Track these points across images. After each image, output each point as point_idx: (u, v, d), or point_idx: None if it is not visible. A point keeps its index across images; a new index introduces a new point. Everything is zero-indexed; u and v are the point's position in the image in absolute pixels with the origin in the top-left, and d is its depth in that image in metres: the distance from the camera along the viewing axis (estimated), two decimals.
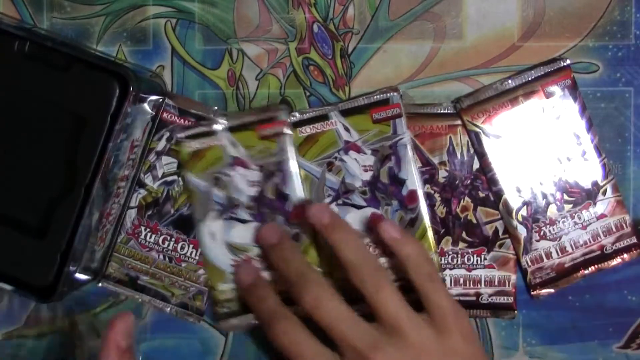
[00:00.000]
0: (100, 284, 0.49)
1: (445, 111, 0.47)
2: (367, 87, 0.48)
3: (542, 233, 0.47)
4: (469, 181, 0.48)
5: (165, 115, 0.48)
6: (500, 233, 0.47)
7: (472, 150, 0.47)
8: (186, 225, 0.48)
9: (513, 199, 0.47)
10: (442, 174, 0.47)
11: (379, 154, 0.47)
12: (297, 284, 0.42)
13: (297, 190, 0.47)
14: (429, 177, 0.48)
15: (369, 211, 0.47)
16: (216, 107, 0.48)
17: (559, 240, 0.47)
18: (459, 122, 0.47)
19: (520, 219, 0.47)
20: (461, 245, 0.47)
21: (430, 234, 0.47)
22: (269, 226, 0.46)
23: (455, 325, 0.41)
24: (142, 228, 0.49)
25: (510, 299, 0.47)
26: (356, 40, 0.48)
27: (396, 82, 0.48)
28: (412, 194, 0.47)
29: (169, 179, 0.48)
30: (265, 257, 0.47)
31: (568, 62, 0.47)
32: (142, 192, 0.49)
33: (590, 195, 0.47)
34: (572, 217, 0.47)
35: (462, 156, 0.48)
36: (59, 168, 0.43)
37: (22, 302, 0.50)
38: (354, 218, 0.47)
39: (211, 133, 0.47)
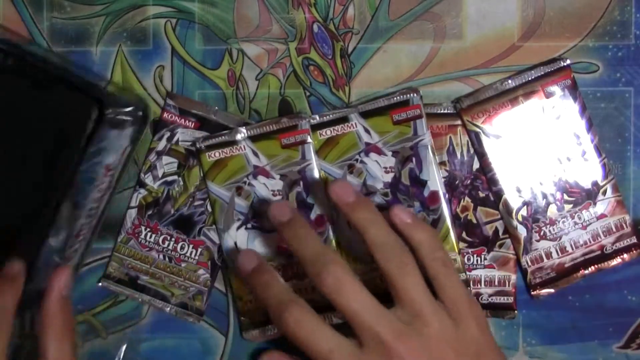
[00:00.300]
0: (100, 284, 0.49)
1: (445, 111, 0.47)
2: (367, 87, 0.48)
3: (542, 233, 0.47)
4: (469, 181, 0.48)
5: (165, 115, 0.48)
6: (500, 233, 0.47)
7: (472, 150, 0.47)
8: (186, 225, 0.48)
9: (513, 199, 0.47)
10: (442, 174, 0.47)
11: (400, 155, 0.47)
12: (315, 265, 0.39)
13: (320, 198, 0.47)
14: None
15: None
16: (217, 107, 0.48)
17: (559, 240, 0.47)
18: (459, 122, 0.47)
19: (520, 219, 0.47)
20: (461, 245, 0.47)
21: (452, 235, 0.47)
22: (279, 203, 0.43)
23: (470, 314, 0.40)
24: (142, 228, 0.49)
25: (510, 299, 0.47)
26: (356, 40, 0.48)
27: (396, 82, 0.48)
28: (434, 195, 0.47)
29: (169, 179, 0.48)
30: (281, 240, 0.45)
31: (568, 62, 0.47)
32: (143, 192, 0.49)
33: (590, 195, 0.47)
34: (572, 217, 0.47)
35: (462, 156, 0.48)
36: (28, 186, 0.42)
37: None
38: None
39: (232, 142, 0.47)
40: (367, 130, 0.47)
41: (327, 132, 0.47)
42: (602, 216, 0.47)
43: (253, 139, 0.47)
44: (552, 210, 0.47)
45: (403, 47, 0.48)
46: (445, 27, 0.48)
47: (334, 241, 0.47)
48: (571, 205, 0.47)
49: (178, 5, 0.49)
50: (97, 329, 0.50)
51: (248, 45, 0.49)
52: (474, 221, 0.48)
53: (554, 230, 0.47)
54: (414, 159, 0.47)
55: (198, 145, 0.47)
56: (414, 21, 0.48)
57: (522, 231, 0.47)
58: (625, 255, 0.47)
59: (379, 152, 0.47)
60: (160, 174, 0.49)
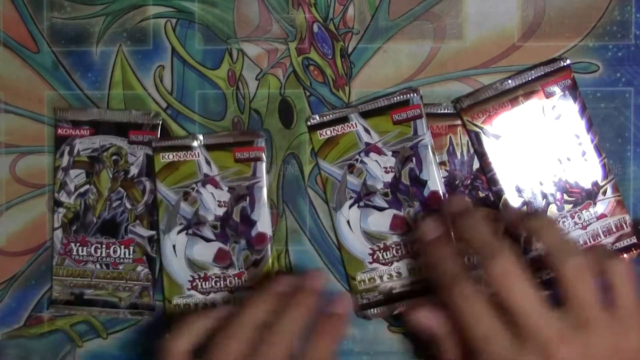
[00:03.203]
0: (49, 310, 0.50)
1: (445, 111, 0.47)
2: (367, 87, 0.48)
3: None
4: (469, 181, 0.48)
5: (60, 131, 0.49)
6: (499, 234, 0.47)
7: (472, 150, 0.47)
8: (112, 229, 0.49)
9: (513, 199, 0.47)
10: (442, 174, 0.47)
11: (400, 155, 0.47)
12: (483, 254, 0.39)
13: (264, 217, 0.48)
14: None
15: (391, 213, 0.47)
16: (106, 108, 0.49)
17: None
18: (459, 122, 0.47)
19: None
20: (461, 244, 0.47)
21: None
22: (457, 196, 0.45)
23: (639, 325, 0.39)
24: (72, 244, 0.49)
25: None
26: (356, 40, 0.48)
27: (396, 82, 0.48)
28: (435, 195, 0.47)
29: (82, 189, 0.49)
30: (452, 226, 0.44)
31: (568, 62, 0.47)
32: (62, 210, 0.49)
33: (590, 195, 0.47)
34: (572, 217, 0.47)
35: (462, 156, 0.47)
36: None
37: (22, 302, 0.50)
38: (377, 220, 0.47)
39: (188, 147, 0.48)
40: (367, 130, 0.47)
41: (327, 132, 0.47)
42: (602, 216, 0.47)
43: (208, 147, 0.48)
44: (552, 210, 0.47)
45: (403, 47, 0.48)
46: (445, 27, 0.48)
47: (270, 260, 0.48)
48: (571, 205, 0.47)
49: (178, 5, 0.49)
50: (97, 329, 0.50)
51: (248, 45, 0.49)
52: None
53: None
54: (414, 159, 0.47)
55: (154, 145, 0.48)
56: (414, 21, 0.48)
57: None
58: (625, 255, 0.47)
59: (379, 152, 0.47)
60: (72, 188, 0.49)
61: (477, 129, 0.47)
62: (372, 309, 0.47)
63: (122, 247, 0.49)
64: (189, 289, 0.48)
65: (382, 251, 0.47)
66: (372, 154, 0.47)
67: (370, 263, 0.47)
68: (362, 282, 0.47)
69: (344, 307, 0.44)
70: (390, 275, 0.47)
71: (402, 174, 0.47)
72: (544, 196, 0.47)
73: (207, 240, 0.48)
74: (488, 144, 0.47)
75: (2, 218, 0.50)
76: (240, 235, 0.48)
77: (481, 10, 0.48)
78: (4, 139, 0.50)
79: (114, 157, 0.49)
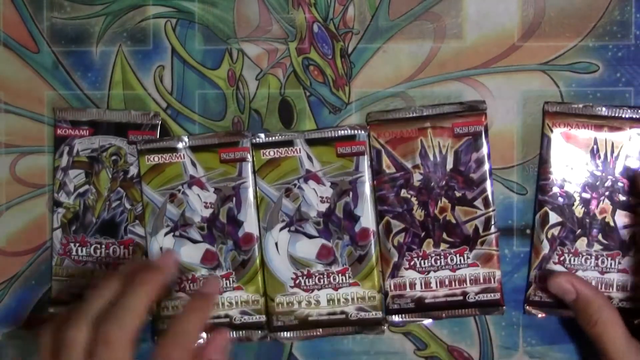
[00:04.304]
0: (50, 310, 0.50)
1: (413, 115, 0.47)
2: (368, 87, 0.48)
3: (562, 259, 0.47)
4: (444, 182, 0.47)
5: (59, 131, 0.49)
6: (480, 230, 0.47)
7: (444, 152, 0.47)
8: (111, 229, 0.49)
9: (553, 215, 0.47)
10: (416, 177, 0.47)
11: (338, 187, 0.48)
12: None
13: (251, 217, 0.48)
14: (404, 182, 0.47)
15: (319, 242, 0.48)
16: (105, 108, 0.49)
17: (574, 272, 0.46)
18: (427, 124, 0.47)
19: (549, 236, 0.47)
20: (443, 246, 0.47)
21: (376, 272, 0.47)
22: None
23: None
24: (72, 245, 0.49)
25: (497, 295, 0.47)
26: (356, 40, 0.48)
27: (396, 82, 0.48)
28: (365, 232, 0.47)
29: (82, 190, 0.49)
30: None
31: None
32: (61, 210, 0.49)
33: (622, 245, 0.46)
34: (597, 259, 0.46)
35: (434, 157, 0.47)
36: None
37: (22, 302, 0.50)
38: (305, 247, 0.48)
39: (173, 149, 0.48)
40: (310, 158, 0.48)
41: (271, 153, 0.48)
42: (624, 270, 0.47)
43: (193, 149, 0.48)
44: (582, 243, 0.47)
45: (403, 47, 0.48)
46: (445, 27, 0.48)
47: (258, 260, 0.48)
48: (601, 248, 0.46)
49: (178, 5, 0.49)
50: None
51: (248, 45, 0.49)
52: (453, 221, 0.47)
53: (574, 261, 0.46)
54: (351, 194, 0.47)
55: (139, 148, 0.48)
56: (414, 21, 0.48)
57: (545, 247, 0.47)
58: None
59: (318, 181, 0.47)
60: (71, 188, 0.49)
61: (551, 135, 0.47)
62: (285, 332, 0.48)
63: (122, 247, 0.49)
64: (177, 291, 0.48)
65: (305, 277, 0.47)
66: (310, 182, 0.47)
67: (292, 287, 0.47)
68: (280, 305, 0.48)
69: (211, 288, 0.45)
70: (309, 302, 0.47)
71: (337, 206, 0.47)
72: (581, 226, 0.46)
73: (194, 241, 0.48)
74: (555, 153, 0.46)
75: (2, 218, 0.50)
76: (227, 236, 0.48)
77: (481, 10, 0.48)
78: (4, 139, 0.50)
79: (113, 157, 0.49)
